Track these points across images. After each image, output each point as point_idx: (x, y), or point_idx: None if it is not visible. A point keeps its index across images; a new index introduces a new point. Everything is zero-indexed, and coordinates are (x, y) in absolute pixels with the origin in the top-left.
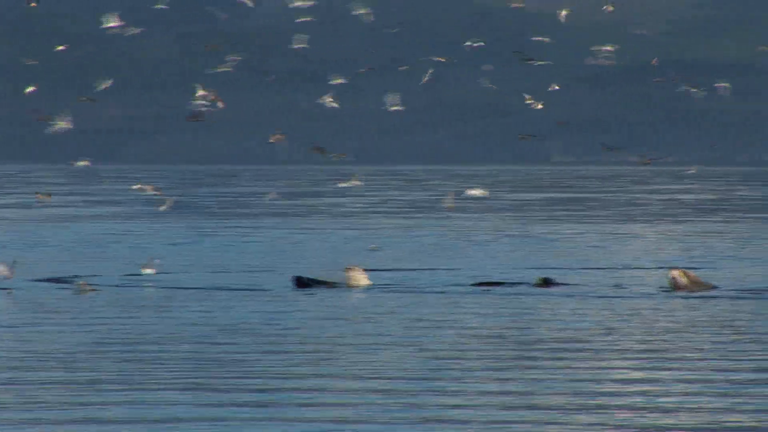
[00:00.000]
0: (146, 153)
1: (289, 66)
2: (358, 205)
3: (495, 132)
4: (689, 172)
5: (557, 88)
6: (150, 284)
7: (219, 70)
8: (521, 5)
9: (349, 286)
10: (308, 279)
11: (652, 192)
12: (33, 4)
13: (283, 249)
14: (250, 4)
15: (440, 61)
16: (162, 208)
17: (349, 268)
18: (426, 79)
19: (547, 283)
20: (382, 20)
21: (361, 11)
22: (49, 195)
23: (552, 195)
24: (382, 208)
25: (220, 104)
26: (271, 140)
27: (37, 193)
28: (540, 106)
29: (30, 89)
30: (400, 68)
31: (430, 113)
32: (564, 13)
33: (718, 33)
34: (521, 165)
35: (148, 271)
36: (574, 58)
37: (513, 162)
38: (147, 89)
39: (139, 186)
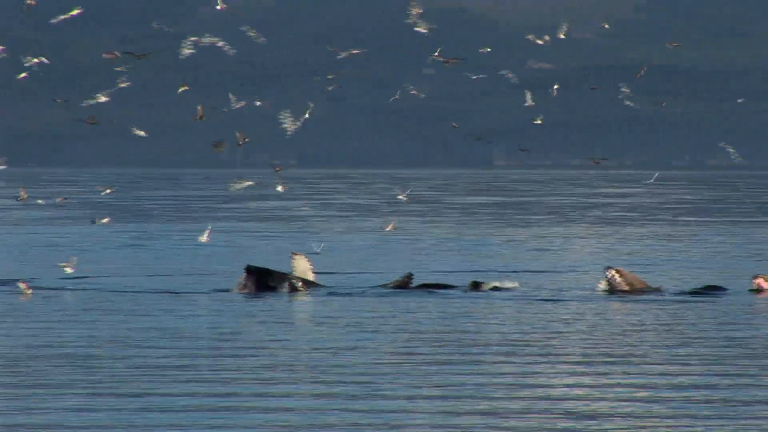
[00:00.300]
0: (85, 156)
1: (229, 70)
2: (304, 209)
3: (437, 136)
4: (649, 180)
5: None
6: (89, 287)
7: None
8: (425, 29)
9: (295, 272)
10: (259, 268)
11: (595, 195)
12: (31, 2)
13: (228, 252)
14: (220, 6)
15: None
16: (98, 221)
17: (295, 254)
18: (395, 97)
19: (476, 286)
20: (326, 24)
21: (252, 34)
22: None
23: (494, 198)
24: (326, 211)
25: (241, 142)
26: (239, 143)
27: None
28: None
29: None
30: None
31: (373, 118)
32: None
33: (660, 36)
34: (464, 168)
35: (68, 269)
36: (516, 62)
37: (457, 166)
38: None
39: (60, 199)
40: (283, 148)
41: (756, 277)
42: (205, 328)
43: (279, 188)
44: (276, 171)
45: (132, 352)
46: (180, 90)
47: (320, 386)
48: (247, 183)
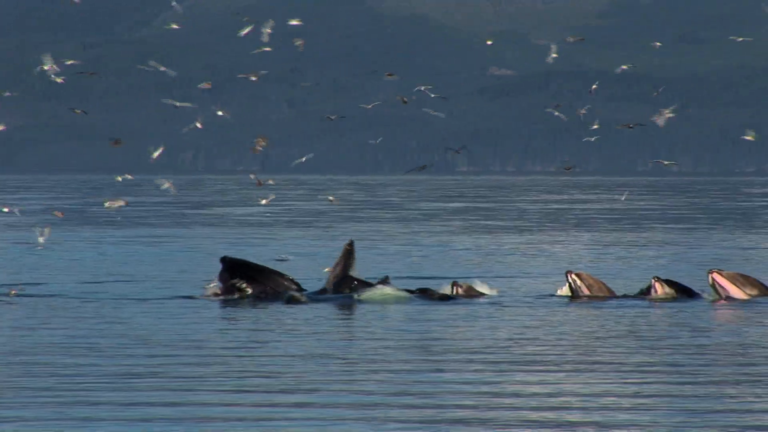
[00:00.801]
0: (41, 161)
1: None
2: (267, 215)
3: (396, 143)
4: (623, 194)
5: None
6: (45, 294)
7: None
8: (392, 78)
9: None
10: (235, 259)
11: (559, 202)
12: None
13: (187, 258)
14: (179, 9)
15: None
16: (41, 239)
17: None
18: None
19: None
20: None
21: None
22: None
23: (457, 204)
24: (286, 217)
25: (259, 147)
26: (257, 148)
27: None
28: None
29: None
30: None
31: (334, 124)
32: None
33: (622, 42)
34: (427, 175)
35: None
36: (477, 69)
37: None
38: (44, 99)
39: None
40: (245, 154)
41: (711, 271)
42: (163, 334)
43: (263, 201)
44: (258, 185)
45: (80, 361)
46: (258, 146)
47: (284, 396)
48: (119, 203)
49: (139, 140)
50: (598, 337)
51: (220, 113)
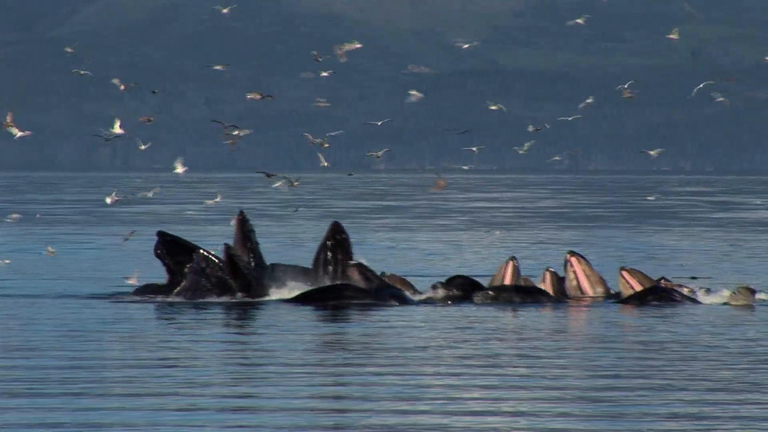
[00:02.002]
0: None
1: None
2: (189, 212)
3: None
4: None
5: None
6: None
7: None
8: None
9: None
10: (172, 236)
11: (478, 200)
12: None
13: (109, 257)
14: (225, 11)
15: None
16: None
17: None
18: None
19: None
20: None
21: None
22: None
23: (375, 203)
24: (211, 215)
25: (232, 141)
26: (230, 143)
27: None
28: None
29: None
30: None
31: (251, 121)
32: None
33: (539, 41)
34: (342, 173)
35: None
36: (394, 66)
37: (332, 170)
38: None
39: None
40: (160, 152)
41: (622, 269)
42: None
43: (209, 202)
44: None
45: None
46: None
47: (192, 399)
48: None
49: (55, 140)
50: (519, 338)
51: (148, 120)
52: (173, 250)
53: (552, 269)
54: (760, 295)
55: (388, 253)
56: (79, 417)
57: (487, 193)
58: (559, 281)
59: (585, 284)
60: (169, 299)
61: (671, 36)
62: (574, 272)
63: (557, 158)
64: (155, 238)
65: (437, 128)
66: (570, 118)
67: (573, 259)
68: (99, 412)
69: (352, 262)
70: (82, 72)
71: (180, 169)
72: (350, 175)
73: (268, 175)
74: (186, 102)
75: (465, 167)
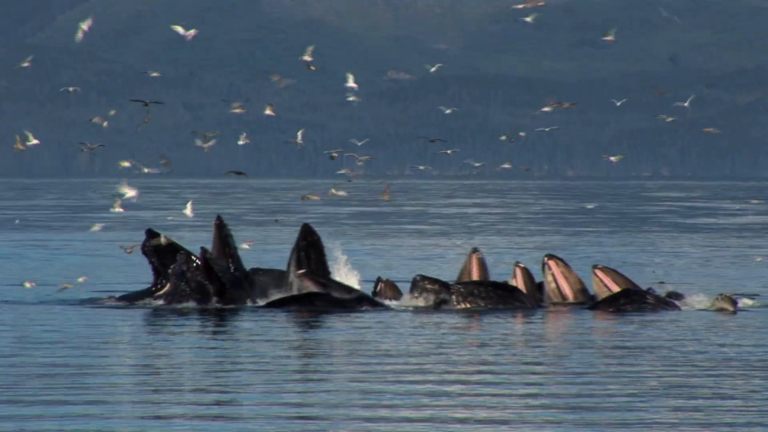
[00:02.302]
0: None
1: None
2: (169, 218)
3: (290, 146)
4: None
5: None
6: None
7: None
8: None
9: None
10: (157, 233)
11: (455, 206)
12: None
13: (81, 262)
14: (188, 36)
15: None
16: None
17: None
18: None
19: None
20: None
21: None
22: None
23: (353, 209)
24: (194, 221)
25: (206, 144)
26: (204, 145)
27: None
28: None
29: None
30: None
31: (227, 128)
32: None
33: (516, 48)
34: (318, 178)
35: None
36: (375, 72)
37: (309, 176)
38: None
39: None
40: (143, 157)
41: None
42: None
43: (187, 210)
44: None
45: None
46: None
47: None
48: (131, 194)
49: (33, 147)
50: (505, 346)
51: (144, 122)
52: (160, 249)
53: (522, 264)
54: (742, 301)
55: (368, 260)
56: (57, 424)
57: (457, 199)
58: (530, 277)
59: (564, 286)
60: (153, 303)
61: (607, 38)
62: (553, 275)
63: (507, 166)
64: (143, 236)
65: (413, 134)
66: (547, 129)
67: (551, 262)
68: (79, 419)
69: (300, 271)
70: (71, 89)
71: (189, 212)
72: (349, 181)
73: (238, 174)
74: (166, 108)
75: (421, 167)
